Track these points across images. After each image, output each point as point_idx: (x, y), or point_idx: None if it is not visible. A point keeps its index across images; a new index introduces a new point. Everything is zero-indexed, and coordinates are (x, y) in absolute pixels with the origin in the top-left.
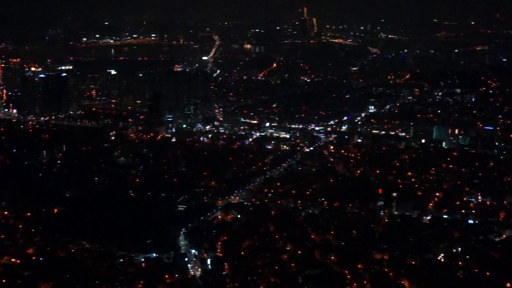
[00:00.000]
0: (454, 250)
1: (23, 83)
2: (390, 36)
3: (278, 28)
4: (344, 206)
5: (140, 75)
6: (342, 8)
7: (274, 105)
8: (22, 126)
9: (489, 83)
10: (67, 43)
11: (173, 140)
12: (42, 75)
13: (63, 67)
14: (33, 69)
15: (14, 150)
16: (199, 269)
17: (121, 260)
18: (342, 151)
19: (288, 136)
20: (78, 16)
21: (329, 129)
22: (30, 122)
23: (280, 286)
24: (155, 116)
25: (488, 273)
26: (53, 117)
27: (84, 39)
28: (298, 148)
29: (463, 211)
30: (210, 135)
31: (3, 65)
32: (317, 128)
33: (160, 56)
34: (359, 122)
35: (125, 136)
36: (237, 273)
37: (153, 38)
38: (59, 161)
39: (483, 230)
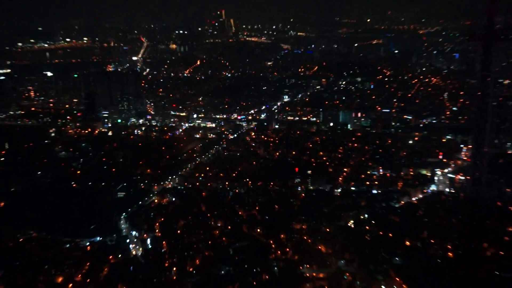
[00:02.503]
0: (362, 217)
1: None
2: (299, 33)
3: (199, 29)
4: (267, 185)
5: (75, 76)
6: (256, 9)
7: (200, 98)
8: None
9: (385, 72)
10: (3, 48)
11: (110, 134)
12: None
13: (1, 71)
14: None
15: None
16: (140, 249)
17: (68, 245)
18: (262, 136)
19: (214, 125)
20: (12, 22)
21: (250, 117)
22: None
23: (214, 259)
24: (91, 113)
25: (390, 234)
26: None
27: (20, 44)
28: (224, 135)
29: (368, 183)
30: (143, 128)
31: None
32: (239, 117)
33: (93, 58)
34: (276, 110)
35: (64, 132)
36: (174, 250)
37: (85, 41)
38: (2, 158)
39: (385, 198)
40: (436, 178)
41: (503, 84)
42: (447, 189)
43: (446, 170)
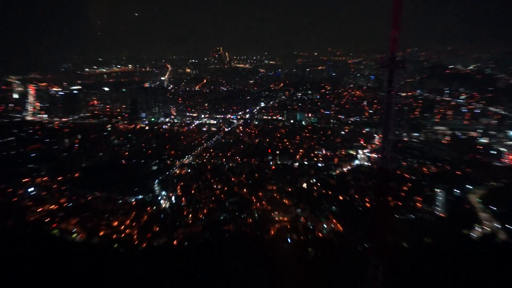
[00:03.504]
0: (311, 181)
1: (49, 98)
2: (271, 62)
3: (205, 59)
4: (250, 161)
5: (123, 90)
6: (242, 46)
7: (206, 104)
8: (50, 125)
9: (326, 87)
10: (76, 72)
11: (146, 128)
12: (61, 93)
13: (75, 87)
14: (55, 89)
15: (47, 140)
16: (168, 203)
17: (120, 201)
18: (247, 129)
19: (215, 122)
20: (81, 55)
21: (238, 117)
22: (56, 122)
23: (216, 209)
24: (135, 114)
25: (330, 192)
26: (70, 118)
27: (87, 69)
28: (221, 129)
29: (315, 159)
30: (169, 124)
31: (35, 88)
32: (232, 117)
33: (135, 78)
34: (256, 112)
35: (117, 127)
36: (190, 203)
37: (130, 67)
38: (76, 145)
39: (326, 169)
40: (359, 156)
41: (401, 96)
42: (366, 163)
43: (365, 151)
